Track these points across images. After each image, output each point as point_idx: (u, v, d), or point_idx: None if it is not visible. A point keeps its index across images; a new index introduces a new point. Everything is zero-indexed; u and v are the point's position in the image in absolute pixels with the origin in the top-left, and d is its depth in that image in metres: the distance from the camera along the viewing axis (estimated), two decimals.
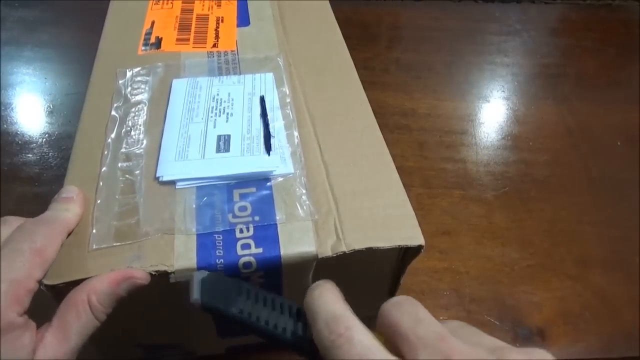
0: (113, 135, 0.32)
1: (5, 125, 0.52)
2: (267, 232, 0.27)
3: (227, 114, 0.33)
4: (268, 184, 0.29)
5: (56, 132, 0.52)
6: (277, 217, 0.28)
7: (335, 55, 0.40)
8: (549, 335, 0.40)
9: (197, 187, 0.29)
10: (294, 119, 0.33)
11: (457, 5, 0.75)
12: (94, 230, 0.27)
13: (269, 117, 0.33)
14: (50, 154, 0.50)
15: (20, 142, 0.51)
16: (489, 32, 0.71)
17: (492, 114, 0.59)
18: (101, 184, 0.29)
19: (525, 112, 0.59)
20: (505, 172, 0.52)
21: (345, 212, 0.29)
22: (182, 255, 0.26)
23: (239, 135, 0.32)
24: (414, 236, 0.28)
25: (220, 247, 0.26)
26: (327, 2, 0.46)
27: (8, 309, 0.22)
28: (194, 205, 0.28)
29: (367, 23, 0.70)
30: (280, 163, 0.30)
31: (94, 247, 0.26)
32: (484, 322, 0.40)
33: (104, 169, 0.30)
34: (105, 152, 0.31)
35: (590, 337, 0.40)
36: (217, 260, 0.26)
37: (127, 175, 0.30)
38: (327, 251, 0.27)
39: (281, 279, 0.28)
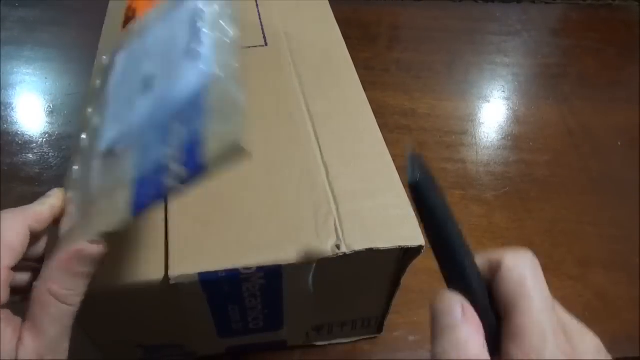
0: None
1: (5, 125, 0.52)
2: None
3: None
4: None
5: (56, 132, 0.52)
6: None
7: (335, 56, 0.40)
8: None
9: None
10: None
11: (457, 5, 0.75)
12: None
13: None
14: (50, 154, 0.50)
15: (20, 142, 0.51)
16: (489, 32, 0.71)
17: (493, 114, 0.59)
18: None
19: (525, 112, 0.59)
20: (505, 172, 0.52)
21: (346, 213, 0.28)
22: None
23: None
24: (414, 236, 0.27)
25: None
26: (327, 2, 0.46)
27: None
28: None
29: (367, 23, 0.70)
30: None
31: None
32: None
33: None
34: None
35: None
36: None
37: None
38: (327, 252, 0.27)
39: (281, 279, 0.28)
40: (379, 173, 0.31)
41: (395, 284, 0.32)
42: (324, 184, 0.30)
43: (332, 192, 0.30)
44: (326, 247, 0.27)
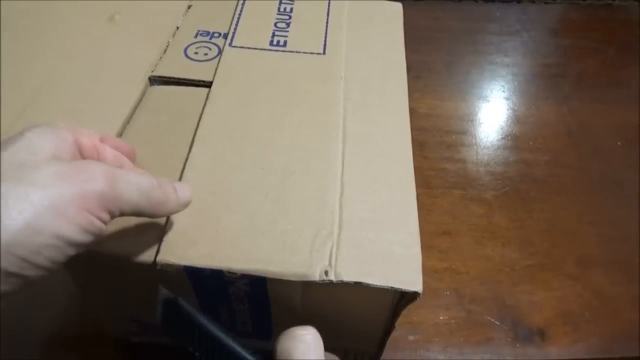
0: None
1: None
2: None
3: None
4: None
5: None
6: None
7: (390, 77, 0.38)
8: (549, 335, 0.40)
9: None
10: None
11: (457, 5, 0.75)
12: None
13: None
14: None
15: None
16: (489, 32, 0.71)
17: (492, 113, 0.59)
18: None
19: (525, 112, 0.59)
20: (505, 172, 0.52)
21: (346, 240, 0.27)
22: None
23: None
24: (412, 281, 0.25)
25: None
26: (400, 8, 0.44)
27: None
28: None
29: None
30: None
31: None
32: (484, 322, 0.40)
33: None
34: None
35: (590, 337, 0.40)
36: None
37: None
38: (314, 276, 0.25)
39: (266, 290, 0.27)
40: (396, 206, 0.29)
41: (388, 323, 0.30)
42: (334, 205, 0.28)
43: (340, 215, 0.28)
44: (314, 270, 0.25)
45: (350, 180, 0.30)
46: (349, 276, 0.25)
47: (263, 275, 0.25)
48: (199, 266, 0.25)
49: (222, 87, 0.35)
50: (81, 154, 0.24)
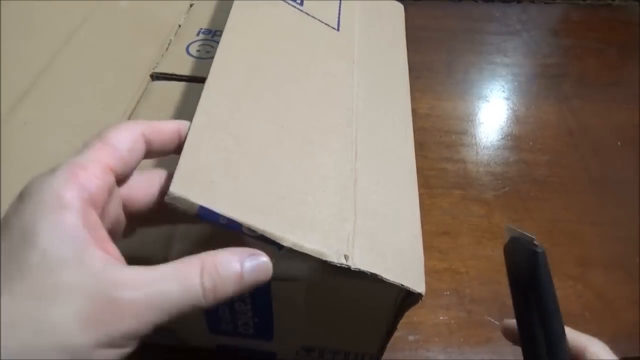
0: None
1: None
2: None
3: None
4: None
5: None
6: None
7: (395, 75, 0.37)
8: None
9: None
10: None
11: (457, 5, 0.75)
12: None
13: None
14: None
15: None
16: (489, 31, 0.71)
17: (492, 113, 0.59)
18: None
19: (525, 112, 0.59)
20: (505, 172, 0.52)
21: (363, 229, 0.26)
22: None
23: None
24: (417, 282, 0.25)
25: None
26: (402, 9, 0.44)
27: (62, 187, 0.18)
28: None
29: None
30: None
31: None
32: (484, 322, 0.40)
33: None
34: None
35: None
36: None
37: None
38: (332, 257, 0.23)
39: (269, 289, 0.27)
40: (402, 204, 0.28)
41: (390, 325, 0.30)
42: (350, 191, 0.27)
43: (355, 202, 0.27)
44: (332, 251, 0.24)
45: (362, 170, 0.28)
46: (366, 266, 0.24)
47: (281, 242, 0.22)
48: (218, 211, 0.21)
49: (238, 25, 0.30)
50: (94, 208, 0.19)
